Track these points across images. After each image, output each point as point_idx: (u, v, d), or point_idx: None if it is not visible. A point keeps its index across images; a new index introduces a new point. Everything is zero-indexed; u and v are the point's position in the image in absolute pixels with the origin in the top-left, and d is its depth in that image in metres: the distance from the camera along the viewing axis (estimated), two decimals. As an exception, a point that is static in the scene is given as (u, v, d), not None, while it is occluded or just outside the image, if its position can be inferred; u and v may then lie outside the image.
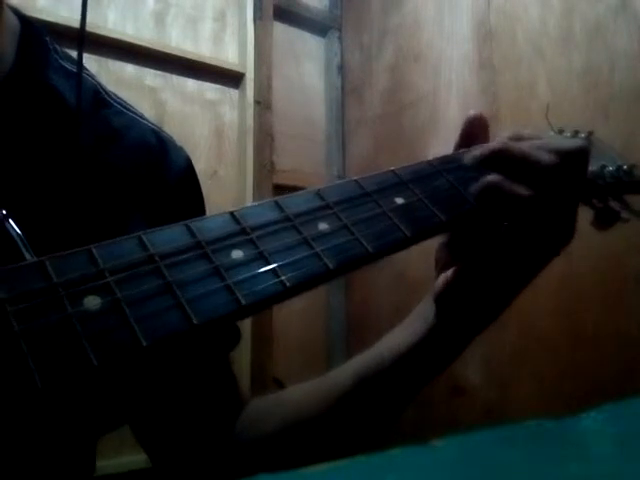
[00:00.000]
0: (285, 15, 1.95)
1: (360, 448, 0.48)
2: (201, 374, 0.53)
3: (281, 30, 1.95)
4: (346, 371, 0.49)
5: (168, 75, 1.68)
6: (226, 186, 1.73)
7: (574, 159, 0.41)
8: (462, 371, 1.47)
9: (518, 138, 0.43)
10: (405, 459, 0.19)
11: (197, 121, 1.72)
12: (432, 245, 0.46)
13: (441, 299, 0.44)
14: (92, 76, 0.53)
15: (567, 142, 0.42)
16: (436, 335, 0.45)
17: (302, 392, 0.52)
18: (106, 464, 1.34)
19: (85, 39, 0.48)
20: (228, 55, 1.82)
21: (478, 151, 0.42)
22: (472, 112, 0.45)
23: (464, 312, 0.44)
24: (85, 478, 0.49)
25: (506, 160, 0.40)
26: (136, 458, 1.32)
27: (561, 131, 0.52)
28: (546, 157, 0.40)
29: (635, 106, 1.21)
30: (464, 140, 0.45)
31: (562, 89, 1.36)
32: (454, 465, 0.19)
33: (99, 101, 0.52)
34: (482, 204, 0.40)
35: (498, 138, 0.43)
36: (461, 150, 0.45)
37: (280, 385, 1.63)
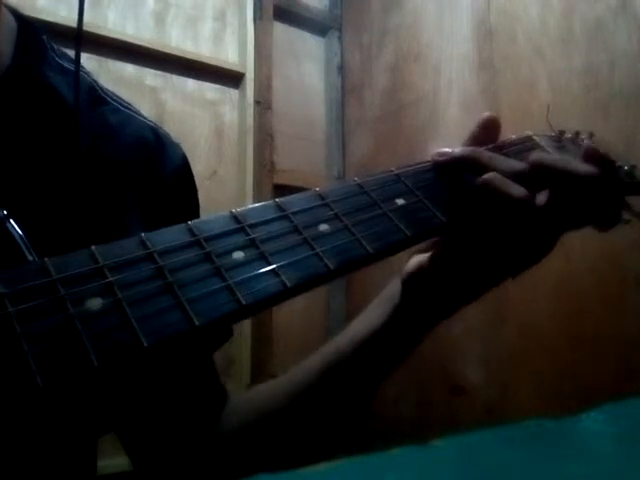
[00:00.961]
0: (285, 15, 1.95)
1: (336, 436, 0.48)
2: (185, 371, 0.53)
3: (281, 30, 1.95)
4: (315, 358, 0.49)
5: (168, 75, 1.68)
6: (226, 186, 1.73)
7: (584, 185, 0.40)
8: (462, 371, 1.47)
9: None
10: (405, 459, 0.19)
11: (197, 121, 1.72)
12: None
13: (409, 281, 0.44)
14: (88, 74, 0.53)
15: (580, 167, 0.41)
16: (400, 317, 0.45)
17: (274, 382, 0.53)
18: (106, 464, 1.34)
19: (84, 39, 0.48)
20: (228, 55, 1.82)
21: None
22: (487, 114, 0.45)
23: (430, 296, 0.44)
24: (87, 478, 0.49)
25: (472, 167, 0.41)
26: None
27: (562, 132, 0.51)
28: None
29: (635, 106, 1.21)
30: (475, 142, 0.45)
31: (562, 89, 1.36)
32: (454, 465, 0.19)
33: (96, 98, 0.52)
34: (475, 202, 0.40)
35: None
36: None
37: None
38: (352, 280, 1.87)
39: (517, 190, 0.38)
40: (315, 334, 1.86)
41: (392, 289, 0.47)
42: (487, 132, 0.45)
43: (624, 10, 1.26)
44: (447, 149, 0.42)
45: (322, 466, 0.19)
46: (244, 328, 1.62)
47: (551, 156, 0.42)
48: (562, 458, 0.19)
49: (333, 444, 0.49)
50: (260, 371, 1.66)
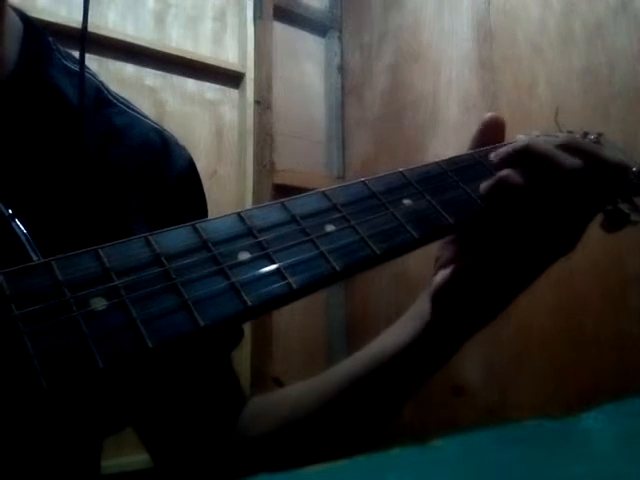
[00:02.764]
0: (285, 15, 1.95)
1: (358, 446, 0.48)
2: (203, 372, 0.53)
3: (281, 30, 1.95)
4: (341, 370, 0.49)
5: (168, 75, 1.68)
6: (226, 186, 1.73)
7: (612, 172, 0.41)
8: (462, 371, 1.47)
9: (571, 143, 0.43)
10: (405, 459, 0.19)
11: (197, 121, 1.72)
12: (433, 245, 0.46)
13: (438, 297, 0.44)
14: (94, 75, 0.53)
15: (610, 154, 0.42)
16: (431, 334, 0.45)
17: (299, 390, 0.52)
18: (107, 464, 1.33)
19: (86, 39, 0.48)
20: (228, 55, 1.82)
21: (504, 149, 0.42)
22: (490, 114, 0.45)
23: (461, 311, 0.44)
24: (91, 478, 0.49)
25: (530, 159, 0.40)
26: (137, 458, 1.32)
27: (569, 132, 0.51)
28: (570, 160, 0.40)
29: (635, 106, 1.21)
30: (479, 142, 0.45)
31: (562, 89, 1.36)
32: (454, 465, 0.19)
33: (101, 100, 0.52)
34: (492, 200, 0.39)
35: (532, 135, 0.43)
36: (469, 152, 0.45)
37: (280, 385, 1.63)
38: (352, 280, 1.87)
39: (571, 161, 0.39)
40: (315, 334, 1.86)
41: (421, 305, 0.46)
42: (491, 132, 0.45)
43: (624, 10, 1.26)
44: (502, 149, 0.43)
45: (322, 466, 0.19)
46: (244, 328, 1.61)
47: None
48: (562, 458, 0.19)
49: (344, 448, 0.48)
50: (260, 371, 1.66)
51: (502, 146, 0.45)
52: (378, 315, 1.74)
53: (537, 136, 0.49)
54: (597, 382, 1.18)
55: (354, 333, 1.84)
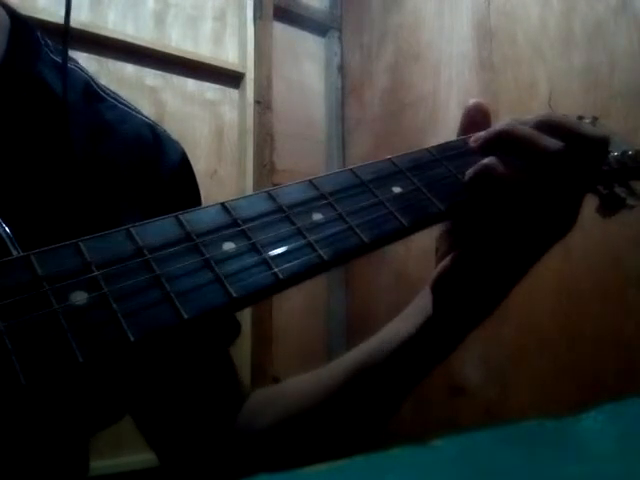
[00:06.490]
0: (285, 15, 1.95)
1: (358, 443, 0.48)
2: (202, 367, 0.53)
3: (281, 30, 1.95)
4: (344, 364, 0.48)
5: (168, 75, 1.68)
6: (226, 186, 1.73)
7: (592, 148, 0.39)
8: (461, 371, 1.47)
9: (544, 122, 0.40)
10: (405, 459, 0.19)
11: (197, 121, 1.72)
12: (433, 244, 0.46)
13: (438, 287, 0.43)
14: (83, 69, 0.52)
15: (590, 129, 0.40)
16: (433, 326, 0.44)
17: (302, 384, 0.52)
18: (103, 464, 1.34)
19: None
20: (228, 55, 1.82)
21: (482, 133, 0.41)
22: (472, 101, 0.44)
23: (462, 301, 0.43)
24: (78, 478, 0.48)
25: (510, 143, 0.39)
26: (134, 458, 1.32)
27: (564, 116, 0.51)
28: (553, 143, 0.38)
29: (635, 106, 1.21)
30: (465, 130, 0.45)
31: (562, 89, 1.36)
32: (454, 465, 0.19)
33: (91, 94, 0.51)
34: (474, 189, 0.38)
35: (507, 120, 0.41)
36: (460, 137, 0.44)
37: (280, 385, 1.63)
38: (352, 280, 1.87)
39: (554, 144, 0.38)
40: (315, 334, 1.86)
41: (423, 300, 0.46)
42: (476, 118, 0.44)
43: (624, 10, 1.26)
44: (480, 134, 0.41)
45: (322, 466, 0.18)
46: (244, 328, 1.61)
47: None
48: (562, 458, 0.19)
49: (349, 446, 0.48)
50: (260, 371, 1.66)
51: None
52: (378, 315, 1.74)
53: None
54: (597, 382, 1.18)
55: (354, 333, 1.84)
